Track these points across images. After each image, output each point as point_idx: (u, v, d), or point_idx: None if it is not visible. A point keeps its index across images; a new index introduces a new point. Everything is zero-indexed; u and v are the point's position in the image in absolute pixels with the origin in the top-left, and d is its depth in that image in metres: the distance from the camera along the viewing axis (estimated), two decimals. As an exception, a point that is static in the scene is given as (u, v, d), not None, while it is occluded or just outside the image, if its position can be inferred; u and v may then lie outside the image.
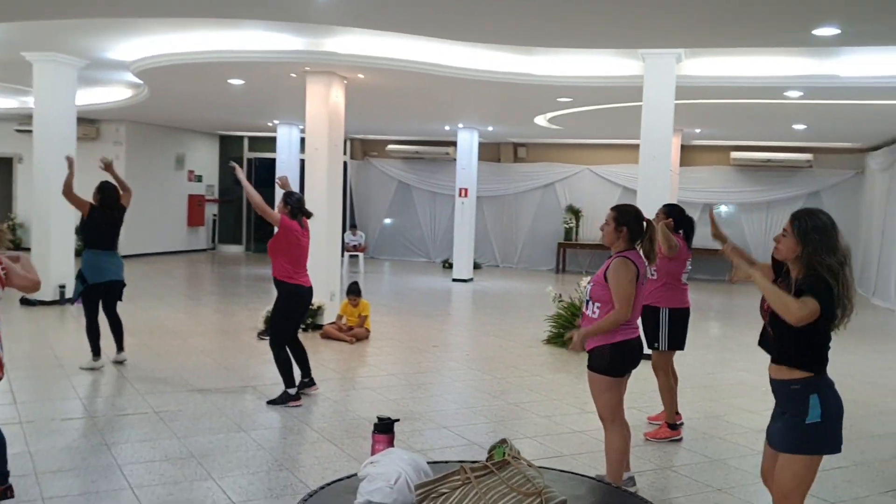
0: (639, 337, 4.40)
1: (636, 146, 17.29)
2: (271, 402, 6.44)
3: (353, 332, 9.34)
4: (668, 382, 5.88)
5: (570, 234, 18.46)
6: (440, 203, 19.86)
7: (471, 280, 16.19)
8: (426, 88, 10.85)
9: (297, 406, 6.41)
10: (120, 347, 7.58)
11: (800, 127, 13.22)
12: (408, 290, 14.72)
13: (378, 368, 8.11)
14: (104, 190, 7.37)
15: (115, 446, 5.20)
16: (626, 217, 4.42)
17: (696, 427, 6.14)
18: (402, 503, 2.31)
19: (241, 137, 21.28)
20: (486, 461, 2.30)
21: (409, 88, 10.91)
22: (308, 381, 6.78)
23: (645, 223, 4.44)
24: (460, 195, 16.32)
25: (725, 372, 8.27)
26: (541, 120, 14.12)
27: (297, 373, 6.70)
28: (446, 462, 2.79)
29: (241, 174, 6.80)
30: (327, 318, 9.81)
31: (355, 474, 2.61)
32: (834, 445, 3.21)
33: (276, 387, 6.92)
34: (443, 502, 2.17)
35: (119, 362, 7.53)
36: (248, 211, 21.47)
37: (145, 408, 6.14)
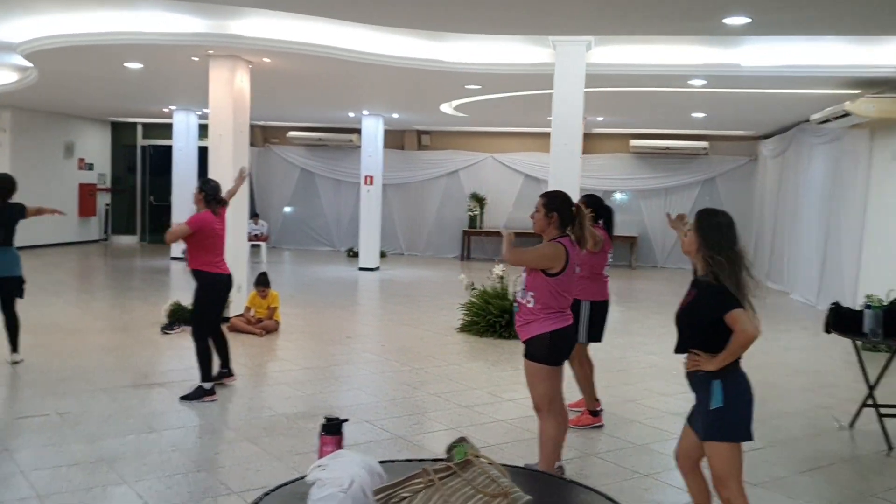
0: (574, 325, 4.39)
1: (539, 134, 17.87)
2: (185, 398, 6.20)
3: (263, 325, 9.08)
4: (582, 371, 5.91)
5: (474, 221, 18.53)
6: (344, 191, 19.57)
7: (377, 269, 16.03)
8: (333, 74, 10.61)
9: (212, 401, 6.19)
10: (14, 348, 7.13)
11: (699, 115, 13.64)
12: (314, 279, 14.44)
13: (291, 362, 7.89)
14: None
15: (17, 452, 4.85)
16: (555, 203, 4.41)
17: (616, 412, 6.23)
18: (356, 508, 2.19)
19: (135, 124, 20.41)
20: (446, 461, 2.21)
21: (316, 74, 10.65)
22: (226, 371, 6.65)
23: (575, 208, 4.43)
24: (365, 183, 16.11)
25: (636, 355, 8.45)
26: (447, 108, 14.07)
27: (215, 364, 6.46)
28: (393, 461, 2.68)
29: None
30: (234, 310, 9.47)
31: (301, 478, 2.47)
32: (742, 433, 3.30)
33: (187, 383, 6.67)
34: (405, 506, 2.06)
35: (15, 363, 7.08)
36: (143, 200, 20.63)
37: (47, 410, 5.76)
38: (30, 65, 11.43)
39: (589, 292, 5.74)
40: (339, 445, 2.47)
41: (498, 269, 9.32)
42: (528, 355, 4.35)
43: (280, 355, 8.26)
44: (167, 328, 8.90)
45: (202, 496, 4.33)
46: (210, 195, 6.41)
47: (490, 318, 9.03)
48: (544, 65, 9.28)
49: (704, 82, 9.77)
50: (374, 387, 6.99)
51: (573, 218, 4.41)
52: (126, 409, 5.92)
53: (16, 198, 7.21)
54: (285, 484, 2.46)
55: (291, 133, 19.44)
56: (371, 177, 16.03)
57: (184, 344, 8.38)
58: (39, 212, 7.32)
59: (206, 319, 6.43)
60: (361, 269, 15.93)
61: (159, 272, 15.08)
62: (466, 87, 11.16)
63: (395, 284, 14.34)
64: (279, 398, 6.45)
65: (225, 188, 9.16)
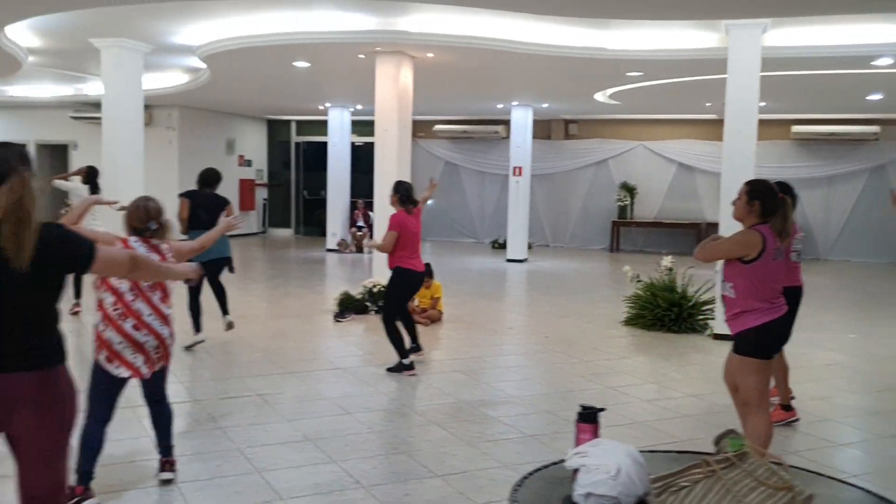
0: (785, 315, 4.23)
1: (692, 121, 17.38)
2: (389, 370, 6.83)
3: (427, 315, 9.27)
4: (781, 362, 5.70)
5: (624, 211, 18.20)
6: (489, 183, 19.66)
7: (525, 260, 16.03)
8: (491, 66, 10.68)
9: (412, 375, 6.73)
10: (225, 311, 7.88)
11: (875, 97, 12.80)
12: (463, 271, 14.59)
13: (459, 351, 8.02)
14: (202, 174, 7.73)
15: (229, 430, 5.17)
16: (758, 191, 4.28)
17: (806, 409, 5.95)
18: (626, 495, 2.21)
19: (289, 121, 21.27)
20: (718, 452, 2.19)
21: (474, 66, 10.75)
22: (416, 347, 7.23)
23: (779, 199, 4.28)
24: (514, 174, 16.11)
25: (816, 352, 8.06)
26: (600, 96, 13.88)
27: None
28: (648, 451, 2.67)
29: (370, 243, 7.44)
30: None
31: (556, 463, 2.52)
32: None
33: (365, 368, 7.02)
34: (685, 495, 2.06)
35: (229, 324, 7.86)
36: (297, 195, 21.49)
37: (247, 391, 6.11)
38: (202, 66, 12.12)
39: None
40: (595, 434, 2.49)
41: (667, 260, 9.11)
42: (736, 349, 4.24)
43: (447, 344, 8.41)
44: (339, 316, 9.26)
45: (406, 477, 4.47)
46: (404, 195, 6.85)
47: (658, 312, 8.84)
48: (713, 49, 9.03)
49: (892, 61, 9.17)
50: (548, 378, 7.01)
51: (776, 208, 4.26)
52: (316, 392, 6.20)
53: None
54: (542, 468, 2.51)
55: (437, 126, 19.68)
56: (520, 168, 16.03)
57: (355, 331, 8.75)
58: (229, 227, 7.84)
59: (395, 308, 6.91)
60: (509, 260, 15.98)
61: (317, 262, 15.67)
62: (627, 74, 10.97)
63: (545, 276, 14.31)
64: (456, 385, 6.57)
65: (389, 181, 9.59)
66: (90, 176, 9.33)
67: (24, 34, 10.06)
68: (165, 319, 4.04)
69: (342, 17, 9.01)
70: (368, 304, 9.66)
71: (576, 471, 2.35)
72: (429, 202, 20.06)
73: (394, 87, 9.76)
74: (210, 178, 7.70)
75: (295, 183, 21.49)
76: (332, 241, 17.61)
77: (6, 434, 2.56)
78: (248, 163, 20.65)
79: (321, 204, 19.63)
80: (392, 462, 4.72)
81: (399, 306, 6.99)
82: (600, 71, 10.73)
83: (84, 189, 9.21)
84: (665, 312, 8.81)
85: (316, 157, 20.77)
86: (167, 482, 4.26)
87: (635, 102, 14.73)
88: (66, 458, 2.67)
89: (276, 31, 9.44)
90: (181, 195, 7.62)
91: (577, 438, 2.48)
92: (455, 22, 9.04)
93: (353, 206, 18.32)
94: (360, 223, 18.11)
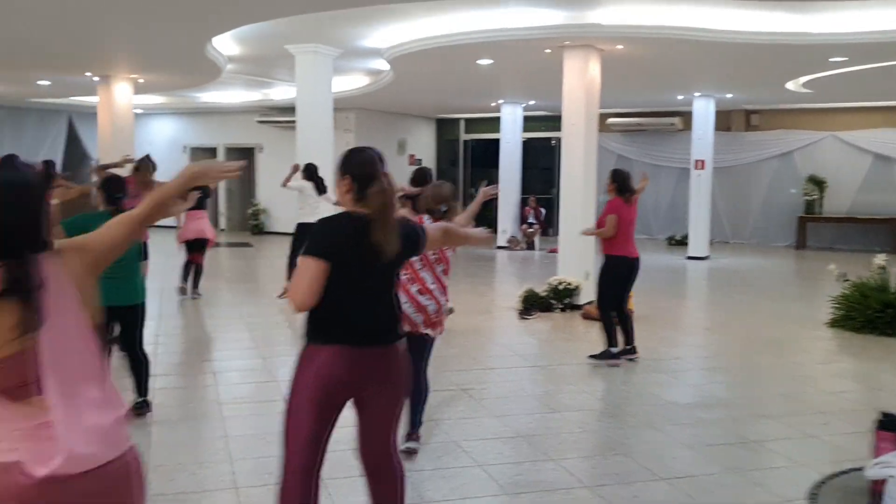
0: None
1: (891, 108, 15.99)
2: (593, 357, 6.86)
3: (616, 313, 9.06)
4: None
5: (812, 206, 17.12)
6: (664, 177, 19.02)
7: (707, 258, 15.40)
8: (681, 56, 10.32)
9: (615, 365, 6.74)
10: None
11: None
12: (644, 268, 13.97)
13: (658, 351, 7.75)
14: (415, 175, 7.83)
15: (443, 423, 5.24)
16: None
17: None
18: (950, 512, 2.01)
19: (458, 120, 21.50)
20: None
21: (663, 57, 10.41)
22: (630, 349, 7.10)
23: None
24: (696, 167, 15.54)
25: None
26: (792, 84, 13.10)
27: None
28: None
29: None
30: (584, 297, 9.60)
31: (846, 472, 2.35)
32: None
33: (562, 367, 6.95)
34: None
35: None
36: (465, 193, 21.69)
37: (451, 385, 6.18)
38: (382, 69, 12.44)
39: None
40: (898, 442, 2.29)
41: (880, 258, 8.45)
42: None
43: (643, 344, 8.03)
44: (525, 313, 9.24)
45: (629, 479, 4.34)
46: (621, 184, 6.81)
47: (869, 313, 8.21)
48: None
49: None
50: (757, 380, 6.64)
51: None
52: (518, 388, 6.20)
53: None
54: (832, 476, 2.35)
55: (610, 120, 19.22)
56: (702, 161, 15.45)
57: (543, 329, 8.73)
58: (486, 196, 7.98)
59: (608, 295, 6.94)
60: (690, 257, 15.42)
61: (488, 260, 15.74)
62: (830, 59, 10.28)
63: (731, 273, 13.68)
64: (661, 386, 6.36)
65: (576, 174, 9.53)
66: (311, 173, 9.82)
67: (226, 43, 10.70)
68: (445, 289, 4.42)
69: (530, 12, 8.95)
70: (553, 301, 9.59)
71: (880, 482, 2.18)
72: (601, 197, 19.83)
73: (581, 81, 9.62)
74: (423, 178, 7.83)
75: (462, 180, 21.73)
76: (502, 238, 17.64)
77: (355, 399, 2.82)
78: (419, 161, 21.06)
79: (488, 201, 19.66)
80: (611, 463, 4.61)
81: (611, 294, 6.91)
82: (801, 57, 10.12)
83: (309, 186, 9.71)
84: (878, 314, 8.17)
85: (483, 154, 20.91)
86: (410, 452, 4.52)
87: (831, 90, 13.77)
88: (399, 421, 2.96)
89: (463, 31, 9.53)
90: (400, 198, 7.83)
91: (876, 447, 2.29)
92: (646, 12, 8.78)
93: (524, 203, 18.27)
94: (532, 220, 18.06)
